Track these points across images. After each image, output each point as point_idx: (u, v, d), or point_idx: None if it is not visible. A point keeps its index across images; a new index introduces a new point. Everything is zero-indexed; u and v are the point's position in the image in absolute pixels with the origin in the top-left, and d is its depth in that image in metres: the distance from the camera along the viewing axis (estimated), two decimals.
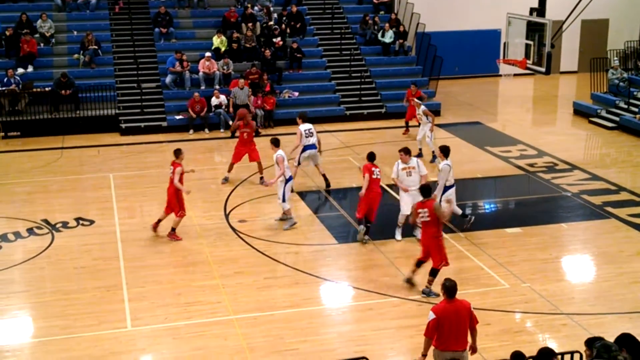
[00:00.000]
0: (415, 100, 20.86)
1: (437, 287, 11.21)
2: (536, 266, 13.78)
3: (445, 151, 14.88)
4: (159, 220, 15.25)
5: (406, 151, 14.73)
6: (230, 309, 12.29)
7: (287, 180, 15.44)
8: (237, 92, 23.18)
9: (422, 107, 20.02)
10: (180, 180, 14.86)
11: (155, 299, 12.63)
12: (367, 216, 14.88)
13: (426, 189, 12.57)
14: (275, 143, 15.73)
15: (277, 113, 24.21)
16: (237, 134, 18.72)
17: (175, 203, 14.92)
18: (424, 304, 12.22)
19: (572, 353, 8.87)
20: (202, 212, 16.64)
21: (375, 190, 14.87)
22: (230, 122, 23.47)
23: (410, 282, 12.89)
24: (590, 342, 8.01)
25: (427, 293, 12.55)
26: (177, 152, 15.26)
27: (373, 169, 14.85)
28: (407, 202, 14.61)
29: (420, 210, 12.36)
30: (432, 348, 9.22)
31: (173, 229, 15.03)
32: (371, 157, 15.12)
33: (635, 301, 12.51)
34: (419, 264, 12.69)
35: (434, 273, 12.45)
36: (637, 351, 7.73)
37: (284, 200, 15.48)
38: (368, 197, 14.71)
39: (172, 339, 11.45)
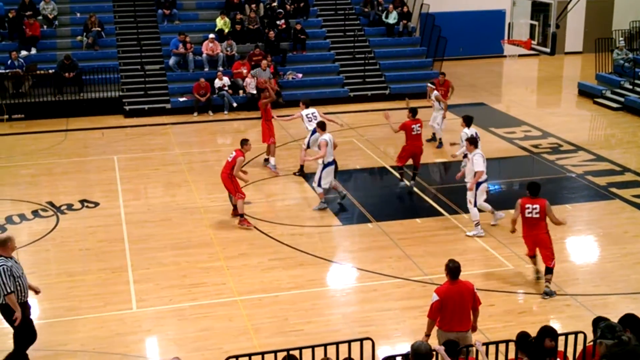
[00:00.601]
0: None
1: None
2: None
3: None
4: (235, 207, 15.12)
5: (470, 141, 14.35)
6: (235, 290, 12.33)
7: (325, 165, 15.38)
8: (260, 73, 23.04)
9: (435, 92, 19.79)
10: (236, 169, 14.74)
11: (160, 281, 12.67)
12: (414, 164, 16.56)
13: (535, 186, 12.02)
14: (322, 127, 15.87)
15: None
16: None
17: (232, 187, 14.82)
18: (427, 285, 12.25)
19: (576, 333, 8.87)
20: (207, 194, 16.66)
21: (415, 144, 16.43)
22: (235, 104, 23.51)
23: (539, 274, 12.39)
24: (595, 323, 8.03)
25: (549, 293, 12.01)
26: (244, 142, 15.05)
27: (413, 125, 16.16)
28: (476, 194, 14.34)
29: (528, 206, 11.87)
30: (436, 329, 9.26)
31: (241, 215, 14.81)
32: (414, 112, 16.50)
33: (639, 282, 12.51)
34: (534, 257, 12.38)
35: (550, 271, 12.02)
36: None
37: (318, 184, 15.48)
38: (409, 148, 16.35)
39: (177, 320, 11.51)
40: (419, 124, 16.43)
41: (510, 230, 12.37)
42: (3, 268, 9.58)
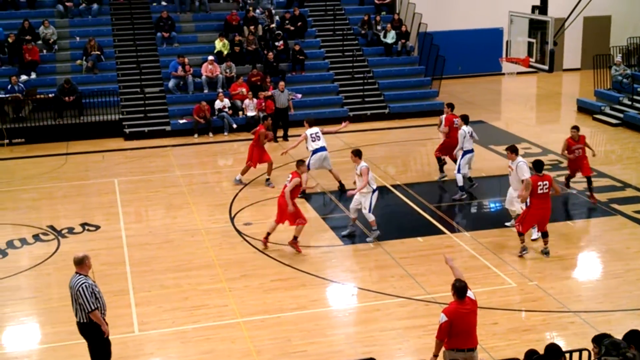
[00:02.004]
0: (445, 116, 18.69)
1: None
2: (543, 264, 13.76)
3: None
4: (268, 234, 14.72)
5: (512, 149, 14.76)
6: (237, 312, 12.29)
7: (373, 191, 14.75)
8: (277, 95, 23.03)
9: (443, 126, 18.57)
10: (295, 192, 14.33)
11: (162, 303, 12.63)
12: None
13: (540, 163, 13.88)
14: (359, 155, 14.97)
15: None
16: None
17: (294, 213, 14.27)
18: (430, 304, 12.22)
19: (580, 351, 8.84)
20: (207, 215, 16.66)
21: (456, 136, 17.36)
22: (234, 125, 23.55)
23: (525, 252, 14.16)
24: (598, 340, 8.00)
25: (548, 252, 14.05)
26: (300, 163, 14.71)
27: (454, 119, 17.34)
28: (510, 198, 15.12)
29: (540, 183, 13.60)
30: (443, 349, 9.20)
31: (295, 237, 14.49)
32: (452, 107, 18.15)
33: None
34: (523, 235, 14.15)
35: (547, 235, 14.09)
36: None
37: (370, 211, 14.76)
38: (452, 142, 17.38)
39: (179, 343, 11.46)
40: (457, 118, 17.55)
41: (522, 200, 14.01)
42: (85, 285, 9.62)
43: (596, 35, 31.77)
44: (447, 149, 18.01)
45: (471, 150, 17.12)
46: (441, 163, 18.43)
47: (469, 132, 16.97)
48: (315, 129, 17.72)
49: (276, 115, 22.74)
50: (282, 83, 23.18)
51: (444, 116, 18.27)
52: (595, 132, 23.45)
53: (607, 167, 19.38)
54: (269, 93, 23.71)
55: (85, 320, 9.75)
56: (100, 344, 9.95)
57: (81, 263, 9.79)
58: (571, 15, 21.57)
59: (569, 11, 21.66)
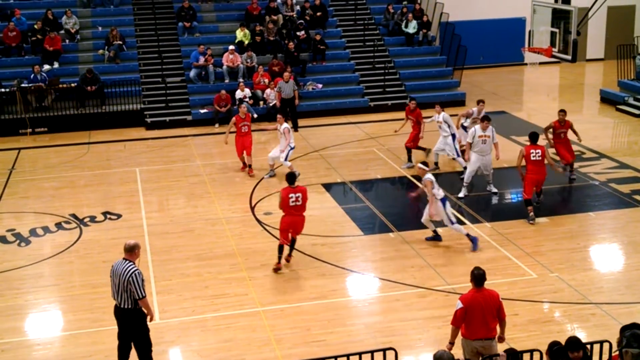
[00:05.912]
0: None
1: None
2: (564, 256, 13.68)
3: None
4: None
5: (487, 119, 16.35)
6: (257, 301, 12.34)
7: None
8: (283, 85, 23.02)
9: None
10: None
11: (183, 292, 12.71)
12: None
13: (535, 135, 15.30)
14: (284, 115, 17.11)
15: (301, 105, 24.10)
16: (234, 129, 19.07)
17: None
18: (450, 294, 12.19)
19: (601, 342, 8.79)
20: (228, 204, 16.71)
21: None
22: (255, 115, 23.54)
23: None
24: (623, 331, 7.96)
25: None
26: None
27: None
28: (474, 162, 16.40)
29: (532, 151, 14.99)
30: (460, 338, 9.20)
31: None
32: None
33: None
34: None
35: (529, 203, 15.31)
36: None
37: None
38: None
39: (200, 331, 11.53)
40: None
41: (520, 175, 15.44)
42: (137, 272, 9.77)
43: (620, 25, 31.42)
44: (416, 139, 18.68)
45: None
46: (410, 154, 18.87)
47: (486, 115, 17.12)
48: (441, 115, 18.05)
49: (283, 106, 22.67)
50: (286, 73, 23.13)
51: (475, 108, 18.27)
52: (619, 123, 23.24)
53: (630, 158, 19.21)
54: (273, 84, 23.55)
55: (130, 307, 9.84)
56: (143, 329, 10.05)
57: (132, 250, 9.92)
58: (595, 5, 21.34)
59: (592, 0, 21.44)
